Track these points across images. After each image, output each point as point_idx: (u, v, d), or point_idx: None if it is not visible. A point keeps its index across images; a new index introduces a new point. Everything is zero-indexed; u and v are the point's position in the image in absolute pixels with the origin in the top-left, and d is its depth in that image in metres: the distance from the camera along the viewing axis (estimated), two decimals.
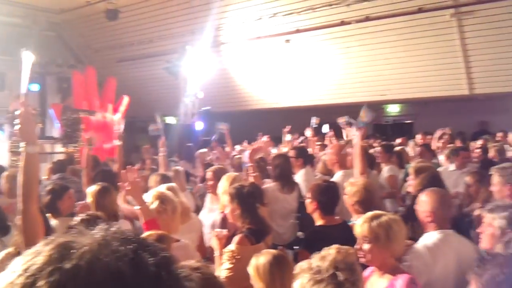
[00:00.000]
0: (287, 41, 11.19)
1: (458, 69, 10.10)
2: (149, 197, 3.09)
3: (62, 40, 13.87)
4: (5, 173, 5.38)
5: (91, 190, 3.64)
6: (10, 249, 2.94)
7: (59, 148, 10.35)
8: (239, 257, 2.87)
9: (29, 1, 11.26)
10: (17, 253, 2.86)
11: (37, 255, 0.68)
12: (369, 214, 2.44)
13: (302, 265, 1.85)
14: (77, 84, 11.65)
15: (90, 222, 2.71)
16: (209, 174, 4.76)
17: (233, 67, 12.66)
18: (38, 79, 12.03)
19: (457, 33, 9.41)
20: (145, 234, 2.55)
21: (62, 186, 4.04)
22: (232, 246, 2.95)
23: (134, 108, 12.90)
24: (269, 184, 4.62)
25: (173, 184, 3.92)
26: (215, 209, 4.48)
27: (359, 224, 2.43)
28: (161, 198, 2.99)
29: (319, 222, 3.09)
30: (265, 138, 8.27)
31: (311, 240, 3.01)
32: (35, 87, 11.92)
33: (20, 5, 11.46)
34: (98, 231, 0.72)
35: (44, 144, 10.94)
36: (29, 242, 2.08)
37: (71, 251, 0.67)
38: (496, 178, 3.38)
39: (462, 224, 3.48)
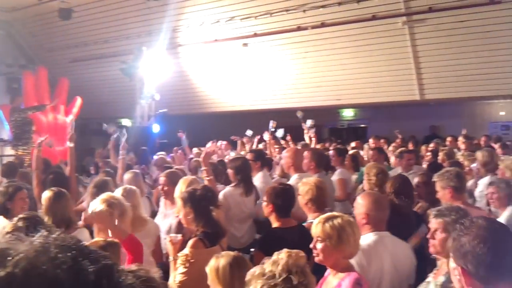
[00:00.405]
0: (245, 44, 11.24)
1: (409, 75, 10.48)
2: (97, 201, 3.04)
3: (13, 39, 13.34)
4: None
5: (44, 196, 3.51)
6: None
7: (9, 150, 9.95)
8: (193, 261, 2.86)
9: None
10: None
11: None
12: (325, 215, 2.50)
13: (254, 271, 1.86)
14: (28, 85, 11.23)
15: (29, 222, 2.64)
16: (162, 178, 4.71)
17: (191, 70, 12.59)
18: None
19: (409, 40, 9.77)
20: (93, 240, 2.50)
21: (14, 187, 3.90)
22: (186, 250, 2.94)
23: (87, 109, 12.56)
24: (228, 187, 4.62)
25: (132, 187, 3.85)
26: (170, 214, 4.44)
27: (314, 224, 2.48)
28: (108, 202, 2.93)
29: (275, 224, 3.13)
30: (221, 142, 8.28)
31: (267, 242, 3.04)
32: None
33: None
34: (37, 238, 0.70)
35: None
36: None
37: (7, 258, 0.65)
38: (438, 184, 3.55)
39: (409, 221, 3.62)
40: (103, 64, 12.97)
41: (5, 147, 10.61)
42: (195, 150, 9.37)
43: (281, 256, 1.85)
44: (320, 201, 3.44)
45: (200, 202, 3.13)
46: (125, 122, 14.54)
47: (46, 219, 3.32)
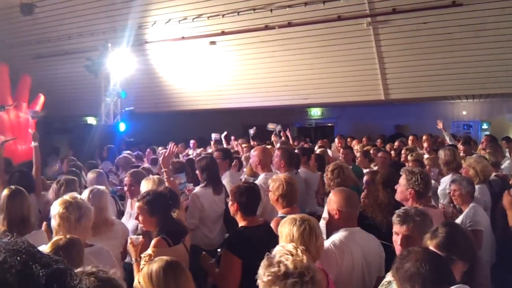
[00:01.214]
0: (212, 42, 11.21)
1: (374, 75, 10.69)
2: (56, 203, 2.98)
3: None
4: None
5: (2, 194, 3.41)
6: None
7: None
8: None
9: None
10: None
11: None
12: (290, 217, 2.54)
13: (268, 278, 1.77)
14: None
15: None
16: (126, 178, 4.65)
17: (158, 67, 12.46)
18: None
19: (373, 41, 9.96)
20: (55, 238, 2.45)
21: None
22: (149, 250, 2.92)
23: (51, 107, 12.20)
24: (198, 188, 4.60)
25: (100, 187, 3.77)
26: (135, 214, 4.39)
27: (280, 225, 2.52)
28: (66, 204, 2.87)
29: (241, 223, 3.14)
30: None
31: (235, 241, 3.05)
32: None
33: None
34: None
35: None
36: None
37: None
38: (402, 179, 3.59)
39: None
40: (67, 61, 12.67)
41: None
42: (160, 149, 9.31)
43: (279, 256, 1.83)
44: (290, 197, 3.49)
45: (158, 203, 3.15)
46: (90, 120, 14.26)
47: (1, 217, 3.28)
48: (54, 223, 2.84)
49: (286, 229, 2.47)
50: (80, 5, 10.88)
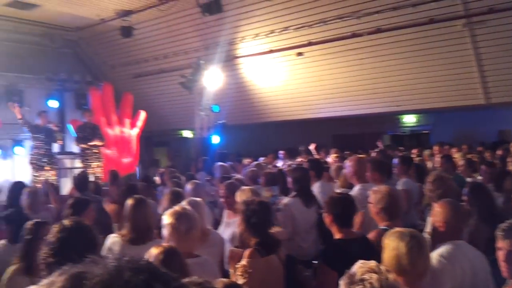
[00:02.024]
0: (299, 53, 11.28)
1: (472, 78, 10.06)
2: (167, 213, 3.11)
3: (79, 57, 14.16)
4: (26, 189, 5.50)
5: (127, 203, 3.57)
6: (16, 264, 2.99)
7: (78, 163, 10.53)
8: (251, 271, 2.90)
9: (46, 20, 11.56)
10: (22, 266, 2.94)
11: (50, 286, 0.70)
12: (398, 230, 2.44)
13: None
14: (95, 100, 11.89)
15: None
16: (222, 189, 4.82)
17: (248, 81, 12.78)
18: (57, 96, 12.28)
19: (470, 43, 9.40)
20: (155, 248, 2.50)
21: (84, 200, 4.12)
22: (243, 261, 2.98)
23: (151, 122, 13.09)
24: (288, 198, 4.65)
25: (197, 199, 3.94)
26: (232, 223, 4.53)
27: (386, 237, 2.45)
28: (177, 215, 2.97)
29: (337, 235, 3.11)
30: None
31: (330, 254, 3.03)
32: (55, 104, 12.16)
33: (38, 23, 11.77)
34: (111, 261, 0.73)
35: (64, 160, 11.17)
36: None
37: (83, 282, 0.68)
38: None
39: None
40: (164, 79, 13.48)
41: (75, 160, 11.23)
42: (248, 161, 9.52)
43: (368, 275, 1.71)
44: (393, 210, 3.34)
45: (253, 216, 3.17)
46: (186, 133, 14.97)
47: (126, 225, 3.43)
48: (165, 232, 2.94)
49: (393, 242, 2.34)
50: (175, 25, 11.55)
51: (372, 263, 1.79)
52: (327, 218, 3.17)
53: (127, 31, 11.19)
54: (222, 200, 4.85)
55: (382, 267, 1.77)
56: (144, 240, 3.35)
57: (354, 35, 10.27)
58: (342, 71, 11.32)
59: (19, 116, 9.40)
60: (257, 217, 3.13)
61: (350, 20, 9.85)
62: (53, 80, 12.07)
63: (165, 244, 2.67)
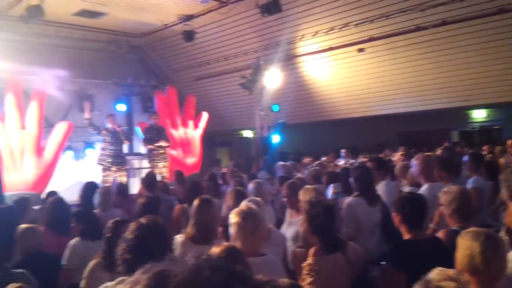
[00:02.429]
0: (360, 50, 11.06)
1: None
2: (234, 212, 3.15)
3: (144, 62, 14.72)
4: (98, 189, 5.80)
5: (194, 203, 3.63)
6: (96, 259, 3.16)
7: (146, 164, 10.95)
8: (317, 269, 2.87)
9: (113, 27, 12.11)
10: (103, 261, 3.08)
11: (135, 284, 0.72)
12: (473, 230, 2.33)
13: None
14: (160, 103, 12.31)
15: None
16: (284, 188, 4.83)
17: (308, 79, 12.71)
18: (125, 99, 12.85)
19: None
20: (216, 247, 2.53)
21: (156, 199, 4.28)
22: (309, 259, 2.96)
23: (212, 123, 13.35)
24: (351, 197, 4.57)
25: (257, 198, 3.98)
26: (294, 222, 4.53)
27: (460, 237, 2.34)
28: (243, 215, 3.00)
29: (406, 236, 3.01)
30: None
31: (398, 256, 2.94)
32: (123, 108, 12.73)
33: (105, 31, 12.36)
34: (190, 259, 0.75)
35: (132, 160, 11.67)
36: None
37: (166, 280, 0.70)
38: None
39: None
40: (225, 80, 13.71)
41: (143, 161, 11.69)
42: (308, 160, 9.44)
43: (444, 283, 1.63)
44: (465, 211, 3.19)
45: (317, 216, 3.15)
46: (247, 133, 15.14)
47: (191, 225, 3.50)
48: (231, 231, 2.97)
49: (467, 241, 2.25)
50: (234, 27, 11.71)
51: (451, 271, 1.71)
52: (395, 218, 3.08)
53: (189, 35, 11.49)
54: (284, 199, 4.86)
55: (462, 277, 1.69)
56: (208, 239, 3.39)
57: (418, 29, 9.91)
58: (406, 66, 10.97)
59: (87, 116, 9.94)
60: (322, 218, 3.11)
61: (414, 13, 9.52)
62: (121, 85, 12.63)
63: (226, 243, 2.71)
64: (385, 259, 3.09)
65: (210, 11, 10.85)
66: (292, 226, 4.54)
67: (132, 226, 2.31)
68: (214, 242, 3.35)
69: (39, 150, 9.84)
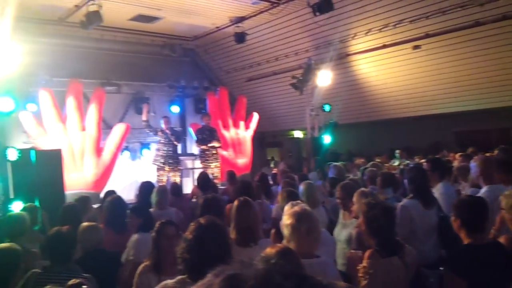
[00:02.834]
0: (416, 47, 10.73)
1: None
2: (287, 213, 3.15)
3: (197, 64, 15.01)
4: (156, 188, 5.97)
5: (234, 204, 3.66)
6: (145, 262, 3.20)
7: (198, 164, 11.16)
8: (372, 272, 2.82)
9: (167, 31, 12.43)
10: (150, 263, 3.14)
11: (209, 287, 0.73)
12: None
13: None
14: (212, 105, 12.53)
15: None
16: (338, 190, 4.77)
17: (360, 78, 12.49)
18: (178, 101, 13.19)
19: None
20: (270, 248, 2.50)
21: (215, 199, 4.34)
22: (364, 262, 2.92)
23: (263, 123, 13.41)
24: (405, 199, 4.45)
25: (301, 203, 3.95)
26: (348, 224, 4.47)
27: None
28: (298, 216, 2.96)
29: (465, 241, 2.89)
30: None
31: (458, 261, 2.83)
32: (176, 109, 13.08)
33: (159, 35, 12.72)
34: (260, 264, 0.75)
35: (185, 161, 11.95)
36: None
37: (239, 284, 0.70)
38: None
39: None
40: (275, 81, 13.73)
41: (195, 161, 11.94)
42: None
43: None
44: None
45: (376, 218, 3.09)
46: (297, 134, 15.09)
47: (231, 226, 3.51)
48: (285, 232, 2.95)
49: None
50: (285, 27, 11.70)
51: None
52: (455, 223, 2.96)
53: (240, 37, 11.60)
54: (337, 201, 4.80)
55: None
56: (250, 241, 3.38)
57: (476, 24, 9.48)
58: (464, 63, 10.53)
59: (144, 118, 10.27)
60: (380, 220, 3.04)
61: (472, 8, 9.12)
62: (175, 87, 12.97)
63: (280, 244, 2.70)
64: (443, 264, 2.99)
65: (261, 12, 10.90)
66: (345, 229, 4.48)
67: (192, 226, 2.34)
68: (259, 243, 3.38)
69: (98, 151, 10.29)
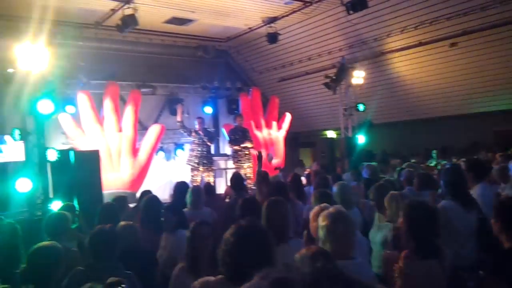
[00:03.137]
0: (453, 44, 10.46)
1: None
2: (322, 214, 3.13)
3: (230, 65, 15.11)
4: (191, 188, 6.03)
5: (264, 204, 3.63)
6: (181, 264, 3.21)
7: (231, 164, 11.23)
8: (407, 273, 2.76)
9: (200, 33, 12.58)
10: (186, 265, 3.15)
11: None
12: None
13: None
14: (244, 105, 12.58)
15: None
16: (371, 192, 4.70)
17: (395, 77, 12.27)
18: (212, 102, 13.31)
19: None
20: (305, 250, 2.47)
21: (253, 200, 4.36)
22: (400, 262, 2.87)
23: (296, 123, 13.36)
24: (444, 200, 4.35)
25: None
26: (383, 226, 4.40)
27: None
28: (333, 218, 2.92)
29: (506, 244, 2.80)
30: None
31: (502, 266, 2.73)
32: (209, 110, 13.21)
33: (193, 37, 12.88)
34: (305, 267, 0.75)
35: (218, 161, 12.04)
36: None
37: (290, 286, 0.71)
38: None
39: None
40: (308, 80, 13.66)
41: (228, 162, 12.01)
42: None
43: None
44: None
45: (417, 218, 3.02)
46: (330, 134, 14.96)
47: (263, 225, 3.53)
48: (320, 234, 2.93)
49: None
50: (318, 27, 11.63)
51: None
52: (495, 226, 2.87)
53: (273, 37, 11.60)
54: (372, 202, 4.74)
55: None
56: (279, 240, 3.26)
57: None
58: (504, 60, 10.20)
59: (179, 119, 10.41)
60: (421, 221, 2.98)
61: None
62: (208, 88, 13.11)
63: (314, 246, 2.67)
64: (482, 267, 2.90)
65: (294, 11, 10.87)
66: (381, 231, 4.41)
67: (232, 228, 2.30)
68: (289, 242, 3.35)
69: (134, 152, 10.50)
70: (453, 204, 4.22)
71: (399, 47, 11.32)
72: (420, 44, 10.86)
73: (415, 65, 11.58)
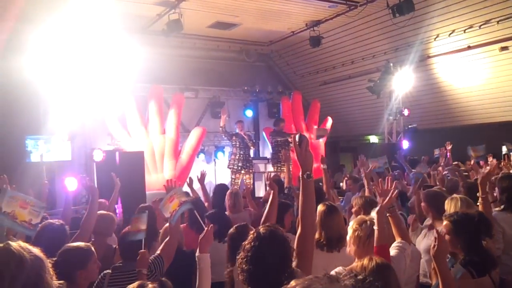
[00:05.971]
0: (504, 48, 10.06)
1: None
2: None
3: (271, 69, 15.12)
4: (229, 191, 6.04)
5: (318, 210, 3.58)
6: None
7: (270, 167, 11.21)
8: None
9: (243, 37, 12.65)
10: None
11: None
12: None
13: None
14: (285, 109, 12.54)
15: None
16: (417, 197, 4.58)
17: (442, 81, 11.90)
18: (252, 106, 13.36)
19: None
20: (367, 260, 2.45)
21: (285, 204, 4.34)
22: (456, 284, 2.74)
23: (337, 128, 13.19)
24: (497, 210, 4.16)
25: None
26: (429, 234, 4.26)
27: None
28: (360, 222, 3.00)
29: None
30: None
31: None
32: (250, 113, 13.25)
33: (236, 41, 12.97)
34: (345, 278, 0.73)
35: (258, 164, 12.05)
36: None
37: None
38: None
39: None
40: (351, 84, 13.46)
41: (268, 165, 11.99)
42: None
43: None
44: None
45: (470, 229, 2.90)
46: (373, 139, 14.71)
47: (318, 233, 3.43)
48: (347, 237, 3.01)
49: None
50: (362, 30, 11.44)
51: None
52: None
53: (316, 41, 11.50)
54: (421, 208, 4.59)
55: None
56: (335, 246, 3.36)
57: None
58: None
59: (222, 124, 10.49)
60: (470, 231, 2.86)
61: None
62: (249, 92, 13.17)
63: (378, 258, 2.59)
64: None
65: (338, 15, 10.74)
66: (426, 238, 4.27)
67: (251, 235, 2.25)
68: (341, 250, 3.34)
69: (176, 154, 10.66)
70: (506, 214, 4.06)
71: (447, 51, 10.98)
72: (469, 48, 10.50)
73: (463, 70, 11.19)
